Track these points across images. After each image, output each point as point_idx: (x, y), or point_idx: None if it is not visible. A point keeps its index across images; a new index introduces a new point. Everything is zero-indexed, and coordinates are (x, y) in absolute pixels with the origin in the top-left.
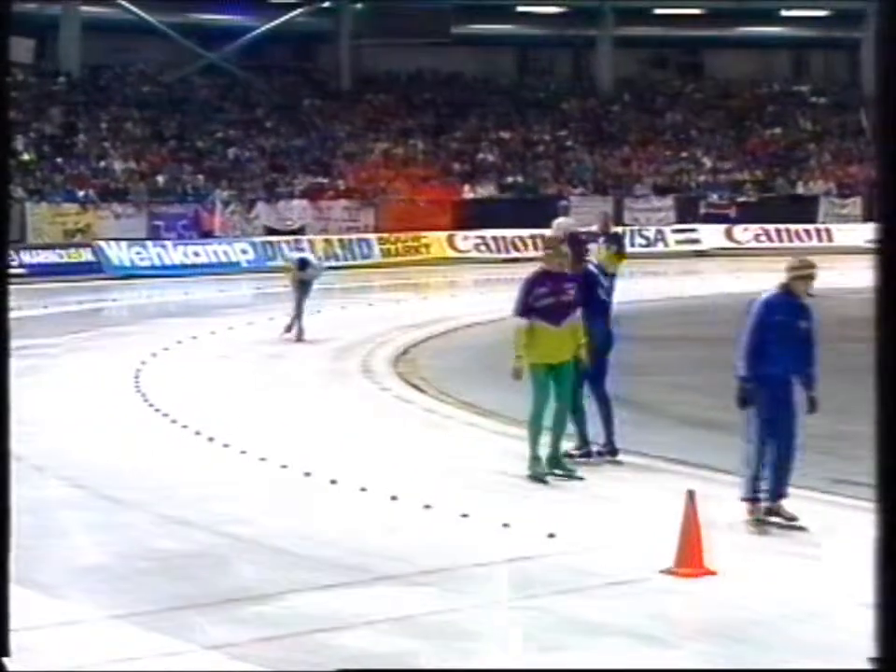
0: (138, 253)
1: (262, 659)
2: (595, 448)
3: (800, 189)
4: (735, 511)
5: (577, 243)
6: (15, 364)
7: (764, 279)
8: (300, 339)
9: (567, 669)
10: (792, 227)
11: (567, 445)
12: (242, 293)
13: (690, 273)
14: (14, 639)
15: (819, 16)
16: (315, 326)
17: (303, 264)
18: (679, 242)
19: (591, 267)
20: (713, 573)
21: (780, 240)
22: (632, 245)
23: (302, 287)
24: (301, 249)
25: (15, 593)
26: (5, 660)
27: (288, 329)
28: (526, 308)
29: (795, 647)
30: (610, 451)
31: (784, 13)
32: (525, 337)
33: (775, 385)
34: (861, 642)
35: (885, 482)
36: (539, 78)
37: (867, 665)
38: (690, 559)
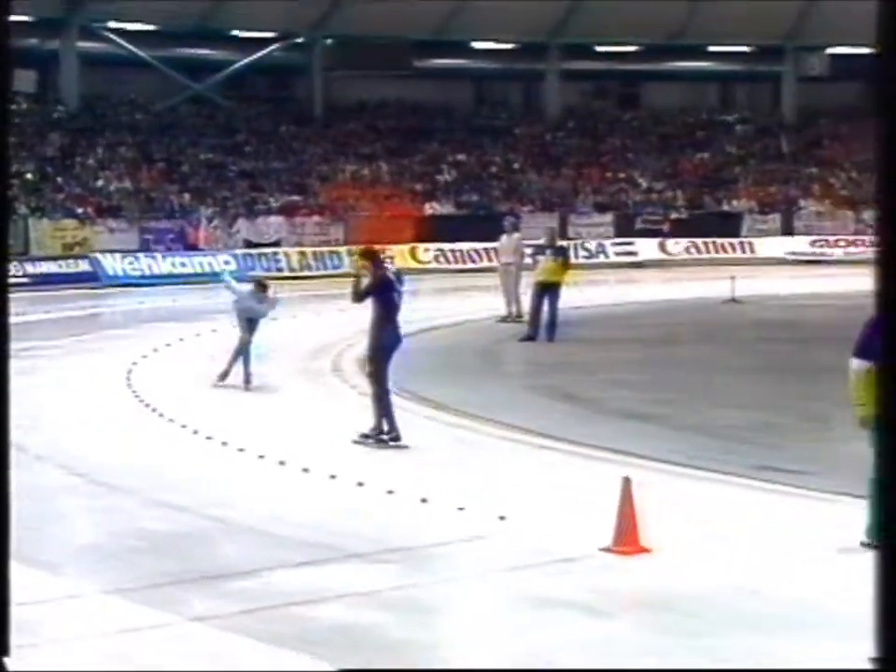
0: (130, 264)
1: (243, 630)
2: (383, 435)
3: (726, 207)
4: (669, 495)
5: (371, 255)
6: (19, 364)
7: (694, 287)
8: (248, 385)
9: (564, 669)
10: (719, 240)
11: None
12: (224, 300)
13: (627, 282)
14: (19, 613)
15: (742, 51)
16: (291, 330)
17: (255, 295)
18: (617, 254)
19: (389, 274)
20: (647, 550)
21: (708, 252)
22: (576, 256)
23: (250, 325)
24: (251, 279)
25: (19, 571)
26: (5, 660)
27: (224, 375)
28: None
29: (721, 616)
30: (394, 437)
31: (711, 49)
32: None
33: None
34: (778, 610)
35: (885, 483)
36: (493, 107)
37: (866, 665)
38: (626, 538)
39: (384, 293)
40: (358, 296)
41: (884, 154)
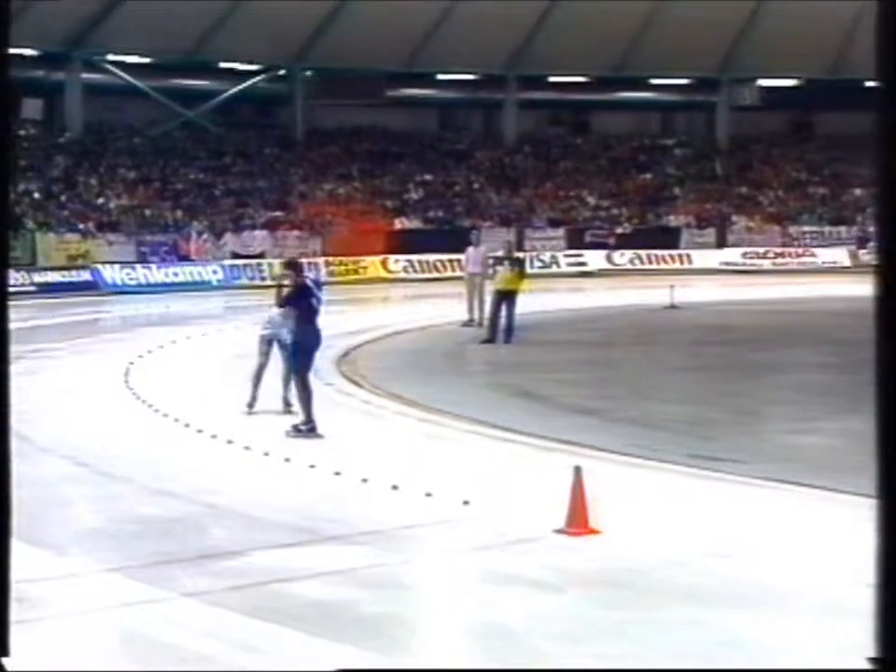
0: (128, 274)
1: (230, 604)
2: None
3: (666, 222)
4: (614, 482)
5: (293, 265)
6: (26, 364)
7: (637, 294)
8: (288, 409)
9: (563, 669)
10: (660, 252)
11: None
12: (213, 306)
13: (578, 290)
14: (27, 590)
15: (681, 83)
16: None
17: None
18: (569, 264)
19: (307, 282)
20: (596, 532)
21: (650, 263)
22: (531, 267)
23: (270, 348)
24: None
25: (27, 551)
26: (4, 660)
27: (252, 402)
28: None
29: (662, 590)
30: (311, 428)
31: (653, 81)
32: None
33: None
34: (713, 584)
35: (885, 483)
36: (456, 133)
37: (866, 665)
38: (577, 520)
39: (303, 298)
40: (281, 301)
41: (883, 160)
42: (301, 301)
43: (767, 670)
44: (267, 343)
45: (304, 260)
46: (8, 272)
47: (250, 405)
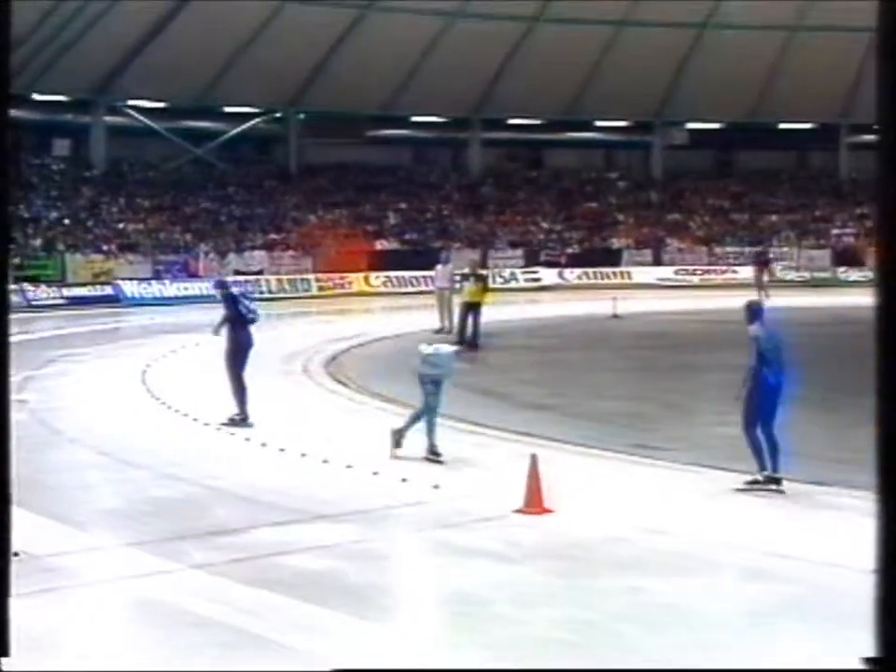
0: (145, 288)
1: (232, 575)
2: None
3: (609, 244)
4: (566, 468)
5: (220, 283)
6: (56, 367)
7: (584, 305)
8: (437, 458)
9: (564, 669)
10: (604, 269)
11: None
12: (218, 316)
13: (533, 302)
14: (55, 562)
15: (621, 125)
16: (270, 340)
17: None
18: (526, 280)
19: (235, 292)
20: (551, 511)
21: (596, 279)
22: (494, 282)
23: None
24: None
25: (56, 528)
26: (3, 660)
27: (398, 441)
28: None
29: (606, 561)
30: (244, 419)
31: (598, 123)
32: None
33: None
34: (647, 555)
35: (885, 486)
36: (428, 167)
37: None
38: (533, 501)
39: (233, 306)
40: (216, 329)
41: (883, 169)
42: (234, 309)
43: (767, 670)
44: (433, 383)
45: (229, 278)
46: (9, 285)
47: (398, 445)
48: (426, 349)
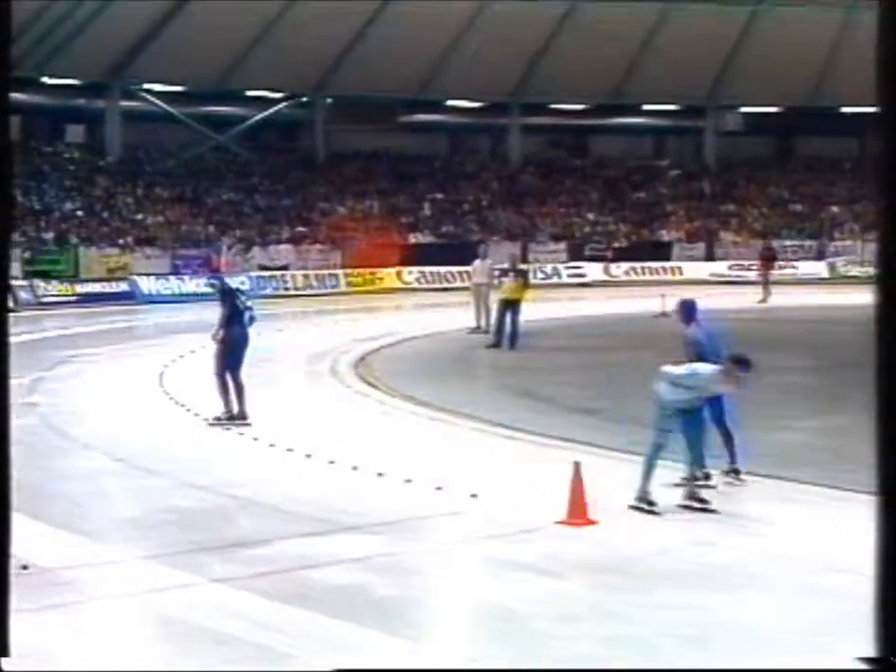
0: (163, 284)
1: (255, 589)
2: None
3: (659, 237)
4: (612, 476)
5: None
6: (68, 368)
7: (631, 303)
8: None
9: (566, 669)
10: (653, 264)
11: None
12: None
13: (577, 300)
14: (68, 575)
15: (671, 110)
16: (295, 339)
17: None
18: (569, 276)
19: (231, 285)
20: (594, 522)
21: (644, 274)
22: (535, 278)
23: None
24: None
25: (69, 539)
26: (4, 660)
27: (242, 415)
28: None
29: (653, 575)
30: (242, 417)
31: (646, 108)
32: None
33: None
34: (696, 568)
35: (885, 490)
36: (465, 155)
37: (858, 665)
38: (577, 512)
39: (231, 300)
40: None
41: (884, 167)
42: (232, 306)
43: (767, 670)
44: (681, 411)
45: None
46: (9, 284)
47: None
48: (674, 369)
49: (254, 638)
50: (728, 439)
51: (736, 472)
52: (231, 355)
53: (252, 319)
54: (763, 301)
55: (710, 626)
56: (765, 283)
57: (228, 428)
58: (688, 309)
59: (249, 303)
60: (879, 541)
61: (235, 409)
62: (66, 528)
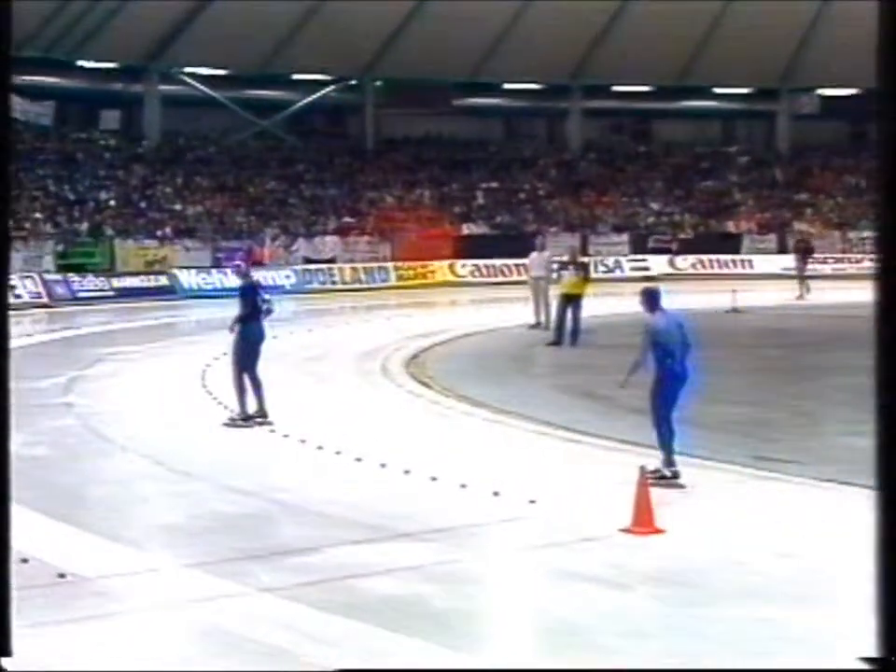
0: (204, 278)
1: (303, 599)
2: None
3: (728, 228)
4: (679, 482)
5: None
6: (105, 367)
7: (699, 298)
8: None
9: (568, 669)
10: (721, 257)
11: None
12: (285, 310)
13: None
14: (107, 584)
15: (742, 93)
16: (344, 336)
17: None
18: (632, 269)
19: (253, 279)
20: (661, 531)
21: (712, 268)
22: (596, 271)
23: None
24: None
25: (107, 547)
26: (4, 661)
27: (262, 414)
28: None
29: (722, 589)
30: (262, 416)
31: (715, 90)
32: None
33: None
34: (771, 581)
35: (885, 490)
36: (521, 141)
37: (858, 665)
38: (642, 520)
39: (250, 296)
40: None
41: (883, 164)
42: (247, 299)
43: (767, 670)
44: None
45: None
46: (9, 279)
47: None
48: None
49: (302, 651)
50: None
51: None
52: (248, 352)
53: (269, 311)
54: (801, 297)
55: (784, 642)
56: (802, 277)
57: (273, 430)
58: (652, 297)
59: (267, 297)
60: (879, 541)
61: (252, 408)
62: (105, 535)
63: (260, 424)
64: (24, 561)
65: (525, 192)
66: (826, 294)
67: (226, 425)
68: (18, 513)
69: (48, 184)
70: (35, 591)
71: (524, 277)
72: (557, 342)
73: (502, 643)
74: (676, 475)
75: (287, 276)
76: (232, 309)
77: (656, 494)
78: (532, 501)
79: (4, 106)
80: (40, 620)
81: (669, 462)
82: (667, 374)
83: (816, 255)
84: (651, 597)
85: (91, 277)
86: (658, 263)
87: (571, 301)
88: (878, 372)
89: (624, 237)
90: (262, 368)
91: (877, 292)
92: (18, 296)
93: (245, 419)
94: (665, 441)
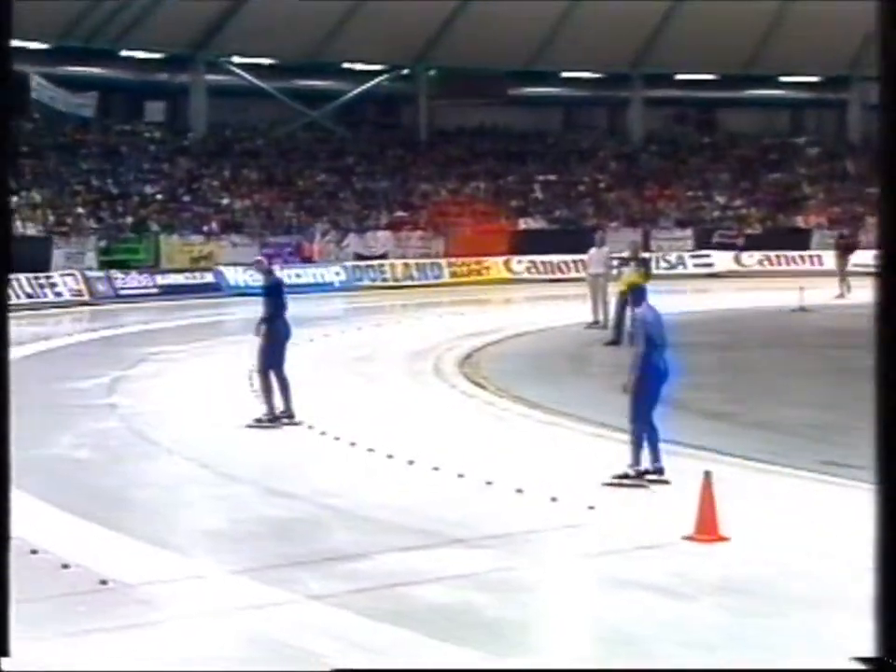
0: (251, 275)
1: (353, 607)
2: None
3: (796, 223)
4: (744, 488)
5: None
6: (148, 367)
7: (765, 296)
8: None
9: (571, 669)
10: (790, 253)
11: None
12: (335, 308)
13: (704, 292)
14: (152, 591)
15: (811, 81)
16: (395, 334)
17: None
18: (695, 265)
19: (277, 277)
20: (726, 539)
21: (780, 264)
22: (657, 268)
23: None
24: None
25: (151, 553)
26: (4, 660)
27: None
28: None
29: (789, 599)
30: (289, 416)
31: (783, 79)
32: None
33: None
34: (842, 594)
35: (884, 490)
36: (580, 131)
37: (854, 665)
38: (707, 528)
39: (275, 293)
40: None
41: (884, 160)
42: (279, 299)
43: (767, 670)
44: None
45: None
46: (9, 276)
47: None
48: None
49: (351, 661)
50: (654, 438)
51: (659, 472)
52: (274, 351)
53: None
54: (842, 295)
55: (853, 654)
56: (843, 275)
57: (323, 432)
58: (639, 292)
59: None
60: (879, 540)
61: (280, 408)
62: (148, 540)
63: (287, 424)
64: (65, 567)
65: (585, 185)
66: None
67: (251, 426)
68: (59, 517)
69: (90, 178)
70: (77, 598)
71: (582, 274)
72: (616, 341)
73: (559, 654)
74: (640, 474)
75: (337, 273)
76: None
77: (721, 500)
78: (591, 507)
79: (4, 100)
80: (82, 627)
81: (636, 461)
82: (651, 370)
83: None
84: (714, 607)
85: (134, 274)
86: (723, 259)
87: None
88: (878, 372)
89: (688, 232)
90: (308, 370)
91: (877, 291)
92: (59, 294)
93: (273, 419)
94: (637, 439)
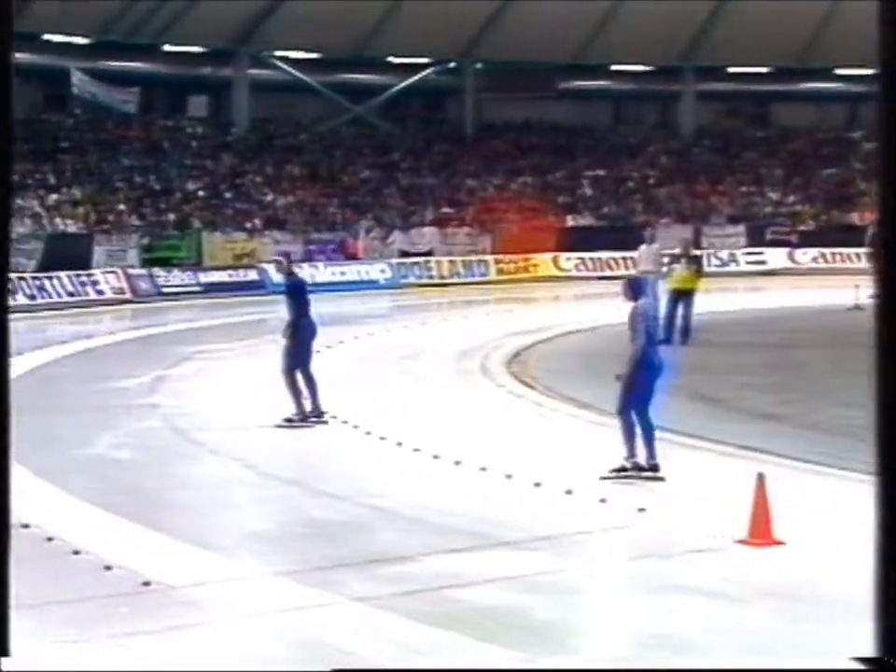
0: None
1: (399, 610)
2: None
3: (851, 220)
4: (798, 490)
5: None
6: (190, 366)
7: (820, 294)
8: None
9: (571, 669)
10: (845, 251)
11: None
12: (380, 305)
13: (757, 290)
14: (195, 593)
15: (868, 74)
16: (441, 332)
17: None
18: (748, 263)
19: (299, 277)
20: (780, 543)
21: (835, 262)
22: (709, 265)
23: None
24: None
25: (195, 554)
26: (4, 660)
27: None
28: None
29: (844, 605)
30: (318, 415)
31: (838, 71)
32: None
33: None
34: None
35: (884, 490)
36: (630, 126)
37: (853, 665)
38: (760, 531)
39: (302, 293)
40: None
41: (884, 159)
42: (299, 297)
43: (767, 670)
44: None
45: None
46: (9, 275)
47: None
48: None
49: (398, 664)
50: (649, 433)
51: (654, 469)
52: (300, 350)
53: None
54: None
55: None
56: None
57: (368, 432)
58: (636, 284)
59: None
60: (878, 540)
61: (308, 407)
62: (191, 541)
63: (316, 422)
64: (108, 568)
65: (634, 181)
66: None
67: (280, 426)
68: (101, 518)
69: (132, 174)
70: (119, 599)
71: (632, 271)
72: (667, 340)
73: (605, 657)
74: (637, 467)
75: (382, 270)
76: (327, 305)
77: (775, 503)
78: (641, 509)
79: (5, 94)
80: (125, 630)
81: (632, 453)
82: (648, 364)
83: None
84: (766, 612)
85: (176, 272)
86: (776, 257)
87: (682, 296)
88: (878, 372)
89: (740, 229)
90: (354, 369)
91: (877, 290)
92: (100, 292)
93: (303, 419)
94: (629, 430)
